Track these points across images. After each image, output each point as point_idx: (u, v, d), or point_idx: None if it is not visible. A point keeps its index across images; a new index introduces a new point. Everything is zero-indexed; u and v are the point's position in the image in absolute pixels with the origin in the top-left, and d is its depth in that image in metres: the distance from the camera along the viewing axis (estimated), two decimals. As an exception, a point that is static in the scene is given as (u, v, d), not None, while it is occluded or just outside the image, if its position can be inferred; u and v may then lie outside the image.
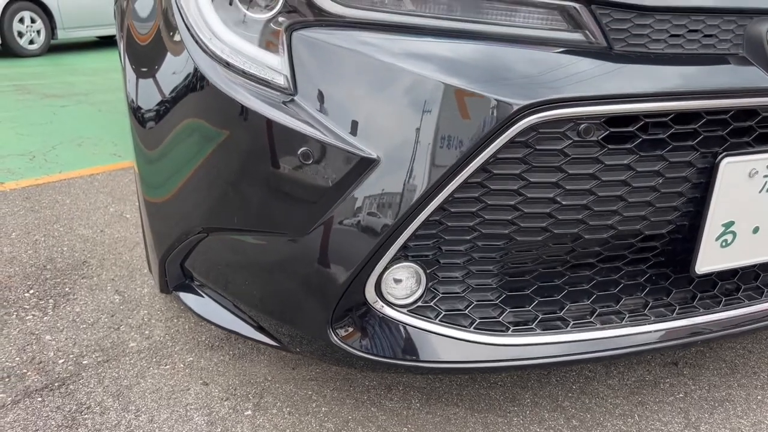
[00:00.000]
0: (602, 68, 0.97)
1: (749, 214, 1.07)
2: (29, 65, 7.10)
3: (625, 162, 0.99)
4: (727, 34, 1.02)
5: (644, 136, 0.99)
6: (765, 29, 1.02)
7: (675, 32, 1.00)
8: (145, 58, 1.24)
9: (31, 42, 7.93)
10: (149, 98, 1.21)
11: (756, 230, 1.09)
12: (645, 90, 0.95)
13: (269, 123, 1.01)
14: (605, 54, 0.99)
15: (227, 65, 1.06)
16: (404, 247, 1.02)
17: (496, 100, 0.93)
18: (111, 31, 8.79)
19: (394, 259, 1.03)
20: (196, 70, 1.08)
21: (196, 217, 1.17)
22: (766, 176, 1.05)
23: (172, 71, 1.14)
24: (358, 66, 0.99)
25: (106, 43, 9.20)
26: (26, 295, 1.80)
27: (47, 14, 8.05)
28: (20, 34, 7.80)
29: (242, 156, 1.06)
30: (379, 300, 1.05)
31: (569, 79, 0.95)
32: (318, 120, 1.00)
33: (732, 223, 1.07)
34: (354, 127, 0.98)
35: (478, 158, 0.95)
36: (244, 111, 1.03)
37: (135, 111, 1.24)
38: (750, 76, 1.01)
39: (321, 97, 1.00)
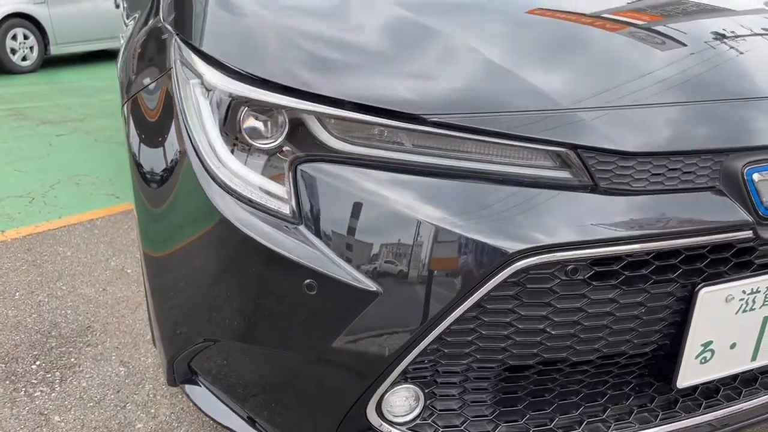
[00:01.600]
0: (589, 208, 1.03)
1: (726, 333, 1.14)
2: (23, 84, 7.13)
3: (609, 296, 1.06)
4: (704, 170, 1.09)
5: (627, 273, 1.06)
6: (740, 165, 1.09)
7: (656, 171, 1.07)
8: (151, 164, 1.30)
9: (24, 59, 7.96)
10: (154, 200, 1.28)
11: (733, 346, 1.16)
12: (630, 233, 1.02)
13: (273, 253, 1.07)
14: (592, 192, 1.05)
15: (233, 192, 1.11)
16: (404, 371, 1.08)
17: (490, 245, 0.99)
18: (104, 45, 8.81)
19: (394, 383, 1.09)
20: (201, 192, 1.14)
21: (200, 328, 1.23)
22: (741, 299, 1.12)
23: (178, 195, 1.20)
24: (359, 201, 1.05)
25: (98, 55, 9.20)
26: (33, 367, 1.85)
27: (40, 30, 8.08)
28: (13, 51, 7.82)
29: (245, 280, 1.12)
30: (383, 423, 1.12)
31: (559, 222, 1.01)
32: (321, 251, 1.06)
33: (710, 342, 1.14)
34: (356, 260, 1.04)
35: (473, 296, 1.01)
36: (247, 238, 1.09)
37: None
38: (726, 211, 1.08)
39: (325, 229, 1.06)
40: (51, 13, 8.09)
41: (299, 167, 1.09)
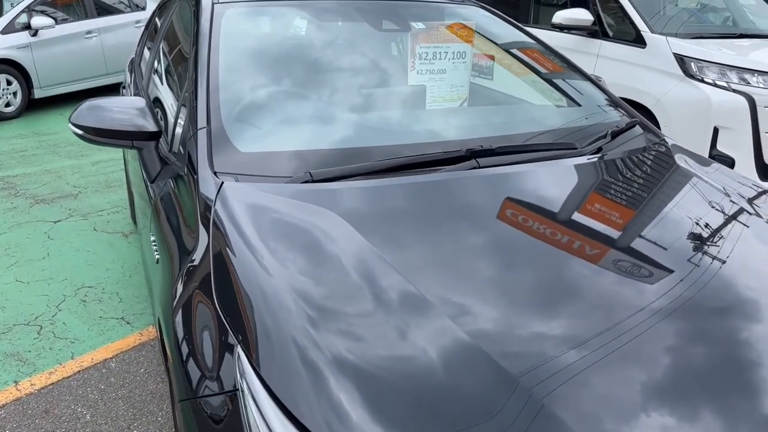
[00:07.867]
0: None
1: None
2: (8, 137, 6.98)
3: None
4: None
5: None
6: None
7: None
8: None
9: (8, 104, 7.78)
10: None
11: None
12: None
13: None
14: None
15: None
16: None
17: None
18: (87, 85, 8.66)
19: None
20: None
21: None
22: None
23: None
24: None
25: (82, 94, 9.03)
26: None
27: (24, 75, 7.91)
28: (-4, 98, 7.65)
29: None
30: None
31: None
32: None
33: None
34: None
35: None
36: None
37: None
38: None
39: None
40: (35, 58, 7.92)
41: None
